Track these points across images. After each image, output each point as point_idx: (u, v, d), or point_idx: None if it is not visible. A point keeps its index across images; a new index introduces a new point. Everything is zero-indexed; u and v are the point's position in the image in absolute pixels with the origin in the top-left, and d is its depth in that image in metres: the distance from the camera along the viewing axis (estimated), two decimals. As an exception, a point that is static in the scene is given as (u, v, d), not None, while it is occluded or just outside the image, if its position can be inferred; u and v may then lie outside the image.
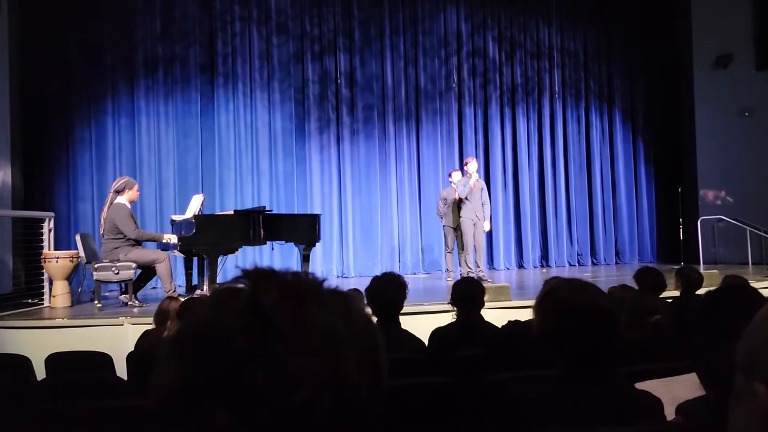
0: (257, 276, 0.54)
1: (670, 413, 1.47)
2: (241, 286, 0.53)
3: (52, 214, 6.59)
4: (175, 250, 6.23)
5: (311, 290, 0.53)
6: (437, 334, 2.95)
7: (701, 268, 7.72)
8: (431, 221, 9.38)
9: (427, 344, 3.01)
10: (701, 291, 4.43)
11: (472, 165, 7.40)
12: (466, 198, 7.32)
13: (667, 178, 10.78)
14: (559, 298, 1.33)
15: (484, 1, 10.34)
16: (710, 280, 5.57)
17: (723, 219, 9.45)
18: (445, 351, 2.63)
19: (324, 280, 0.56)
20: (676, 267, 4.96)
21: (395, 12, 9.90)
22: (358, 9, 9.72)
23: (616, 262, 10.64)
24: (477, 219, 7.35)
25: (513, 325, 2.87)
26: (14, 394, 2.48)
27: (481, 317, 3.02)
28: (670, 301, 4.20)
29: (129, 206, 5.97)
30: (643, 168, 10.99)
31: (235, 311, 0.50)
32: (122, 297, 6.02)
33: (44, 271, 6.10)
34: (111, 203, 5.91)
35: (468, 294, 3.03)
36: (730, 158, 9.71)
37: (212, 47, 9.03)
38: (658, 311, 2.34)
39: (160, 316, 3.44)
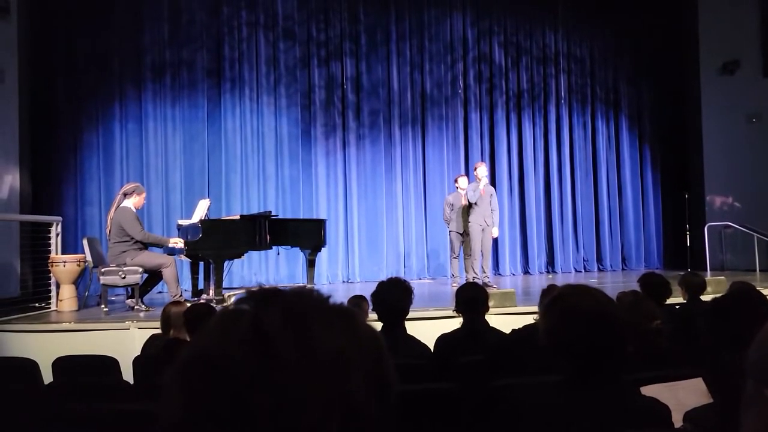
0: (260, 299, 0.53)
1: (677, 420, 1.47)
2: (245, 308, 0.52)
3: (59, 218, 6.64)
4: (182, 255, 6.26)
5: (315, 311, 0.52)
6: (443, 340, 2.94)
7: (708, 275, 7.69)
8: (437, 226, 9.38)
9: (432, 350, 3.01)
10: (707, 297, 4.42)
11: (482, 170, 7.39)
12: (475, 203, 7.32)
13: (674, 184, 10.74)
14: (565, 304, 1.33)
15: (491, 7, 10.35)
16: (717, 287, 5.56)
17: (730, 225, 9.40)
18: (450, 357, 2.62)
19: (329, 297, 0.55)
20: (682, 273, 4.94)
21: (401, 18, 9.93)
22: (364, 14, 9.76)
23: (623, 269, 10.60)
24: (486, 224, 7.34)
25: (519, 331, 2.87)
26: (23, 397, 2.49)
27: (486, 323, 3.01)
28: (677, 307, 4.19)
29: (135, 211, 5.99)
30: (649, 174, 10.95)
31: (238, 338, 0.49)
32: (129, 301, 6.04)
33: (51, 275, 6.14)
34: (118, 205, 5.94)
35: (472, 299, 3.02)
36: (737, 164, 9.67)
37: (219, 52, 9.08)
38: (657, 317, 2.32)
39: (164, 322, 3.45)
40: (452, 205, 7.82)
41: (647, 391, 1.85)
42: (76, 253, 6.66)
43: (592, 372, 1.33)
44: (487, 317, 3.12)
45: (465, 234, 7.61)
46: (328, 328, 0.51)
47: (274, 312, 0.50)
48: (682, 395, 1.71)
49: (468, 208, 7.47)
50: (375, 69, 9.77)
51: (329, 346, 0.50)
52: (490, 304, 3.13)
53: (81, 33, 8.28)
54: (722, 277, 6.38)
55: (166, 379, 0.51)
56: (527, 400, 1.43)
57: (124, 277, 5.75)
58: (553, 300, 1.36)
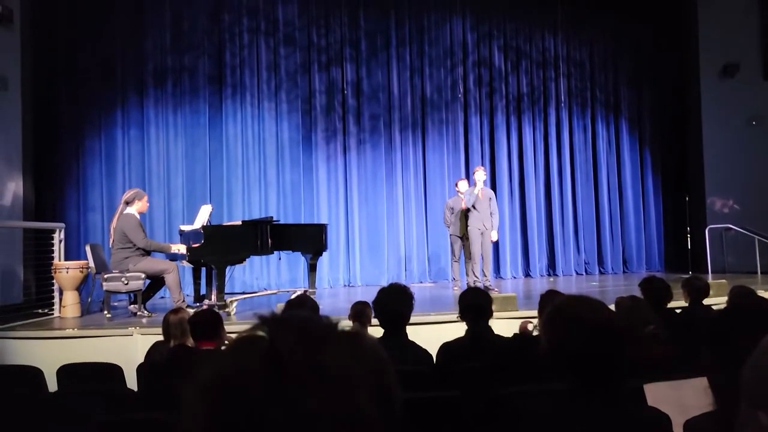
0: (274, 323, 0.57)
1: (678, 424, 1.48)
2: (260, 334, 0.56)
3: (62, 225, 6.66)
4: (184, 261, 6.28)
5: (326, 335, 0.56)
6: (447, 349, 2.94)
7: (709, 278, 7.70)
8: (438, 230, 9.40)
9: (435, 356, 3.02)
10: (709, 300, 4.43)
11: (479, 174, 7.42)
12: (473, 207, 7.34)
13: (674, 187, 10.76)
14: (567, 315, 1.35)
15: (490, 12, 10.39)
16: (719, 290, 5.57)
17: (731, 228, 9.41)
18: (453, 365, 2.64)
19: (338, 322, 0.59)
20: (684, 276, 4.95)
21: (401, 23, 9.97)
22: (364, 20, 9.80)
23: (624, 271, 10.61)
24: (484, 228, 7.36)
25: (521, 337, 2.88)
26: (29, 405, 2.51)
27: (491, 330, 3.01)
28: (678, 311, 4.19)
29: (138, 217, 6.03)
30: (650, 176, 10.97)
31: (254, 359, 0.53)
32: (131, 307, 6.07)
33: (55, 281, 6.16)
34: (120, 214, 5.97)
35: (475, 305, 3.02)
36: (737, 167, 9.68)
37: (221, 59, 9.12)
38: (651, 322, 2.34)
39: (165, 330, 3.47)
40: (452, 208, 7.85)
41: (651, 389, 1.86)
42: (78, 259, 6.68)
43: (594, 381, 1.35)
44: (489, 322, 3.13)
45: (465, 237, 7.63)
46: (338, 351, 0.55)
47: (288, 336, 0.55)
48: (687, 394, 1.72)
49: (467, 212, 7.49)
50: (375, 74, 9.80)
51: (339, 367, 0.54)
52: (492, 309, 3.13)
53: (83, 40, 8.32)
54: (723, 281, 6.38)
55: (186, 397, 0.55)
56: (530, 409, 1.45)
57: (127, 284, 5.77)
58: (553, 311, 1.38)
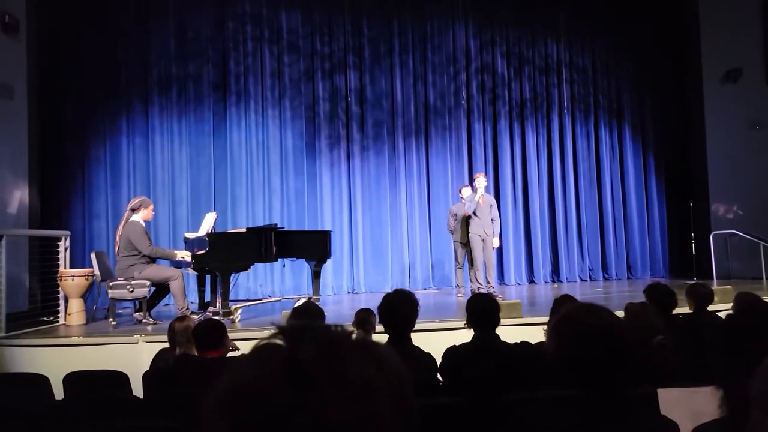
0: (294, 332, 0.57)
1: (688, 430, 1.48)
2: (278, 342, 0.57)
3: (68, 233, 6.69)
4: (189, 268, 6.30)
5: (344, 342, 0.57)
6: (452, 353, 2.94)
7: (714, 284, 7.67)
8: (441, 237, 9.40)
9: (439, 363, 3.01)
10: (714, 307, 4.41)
11: (480, 181, 7.43)
12: (474, 213, 7.35)
13: (678, 193, 10.74)
14: (574, 323, 1.36)
15: (493, 18, 10.42)
16: (724, 296, 5.55)
17: (736, 233, 9.39)
18: (459, 371, 2.63)
19: (352, 332, 0.60)
20: (689, 282, 4.93)
21: (404, 30, 10.01)
22: (367, 27, 9.84)
23: (628, 277, 10.58)
24: (486, 235, 7.36)
25: (526, 345, 2.88)
26: (36, 413, 2.52)
27: (497, 337, 3.00)
28: (681, 318, 4.18)
29: (144, 224, 6.05)
30: (653, 182, 10.96)
31: (275, 367, 0.54)
32: (136, 314, 6.08)
33: (60, 289, 6.18)
34: (126, 221, 6.00)
35: (483, 312, 3.00)
36: (741, 172, 9.67)
37: (225, 67, 9.17)
38: (658, 331, 2.33)
39: (170, 337, 3.48)
40: (456, 215, 7.86)
41: (664, 394, 1.86)
42: (83, 266, 6.72)
43: (601, 388, 1.36)
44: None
45: (468, 244, 7.63)
46: (359, 360, 0.56)
47: (309, 344, 0.55)
48: (699, 401, 1.72)
49: (468, 219, 7.50)
50: (378, 81, 9.84)
51: (361, 376, 0.54)
52: (499, 315, 3.12)
53: (88, 49, 8.37)
54: (729, 287, 6.36)
55: (205, 408, 0.55)
56: (537, 416, 1.46)
57: (132, 291, 5.79)
58: (561, 318, 1.38)
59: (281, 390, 0.52)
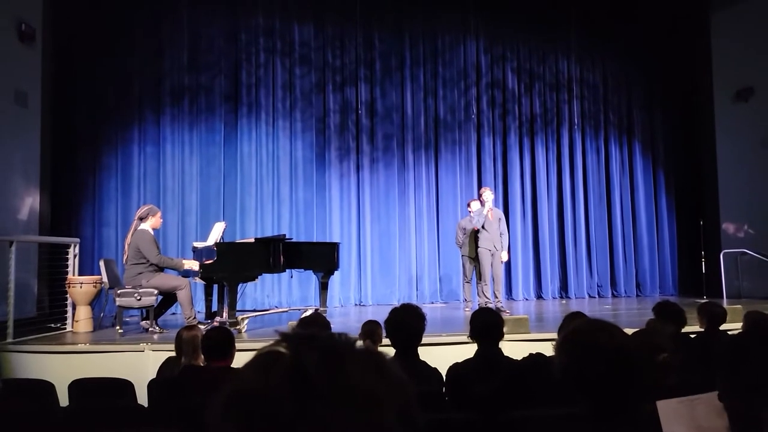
0: (299, 340, 0.57)
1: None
2: (281, 350, 0.57)
3: (77, 240, 6.73)
4: (196, 277, 6.31)
5: (347, 351, 0.57)
6: (455, 370, 2.91)
7: (725, 303, 7.59)
8: (449, 250, 9.38)
9: (444, 378, 3.00)
10: (724, 326, 4.37)
11: (487, 195, 7.43)
12: (483, 228, 7.33)
13: (689, 210, 10.68)
14: (582, 340, 1.35)
15: (504, 34, 10.47)
16: (734, 315, 5.48)
17: (746, 252, 9.30)
18: (463, 387, 2.61)
19: (356, 340, 0.60)
20: (699, 301, 4.89)
21: (415, 44, 10.07)
22: (379, 41, 9.91)
23: (637, 295, 10.50)
24: (494, 249, 7.35)
25: (533, 358, 2.85)
26: (41, 420, 2.52)
27: (500, 351, 2.99)
28: (693, 336, 4.14)
29: (152, 233, 6.08)
30: (664, 199, 10.91)
31: (279, 375, 0.54)
32: (143, 323, 6.09)
33: (68, 296, 6.21)
34: (135, 230, 6.03)
35: (486, 326, 3.00)
36: (752, 190, 9.60)
37: (237, 78, 9.24)
38: (664, 349, 2.30)
39: (177, 346, 3.48)
40: (465, 229, 7.84)
41: (664, 405, 1.83)
42: (92, 274, 6.74)
43: (608, 405, 1.34)
44: (501, 344, 3.11)
45: (476, 258, 7.61)
46: (363, 369, 0.56)
47: (312, 352, 0.55)
48: (700, 412, 1.70)
49: (477, 233, 7.48)
50: (389, 94, 9.89)
51: (365, 385, 0.54)
52: (503, 330, 3.11)
53: (102, 59, 8.47)
54: (739, 306, 6.29)
55: (210, 415, 0.55)
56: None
57: (140, 299, 5.80)
58: (568, 335, 1.37)
59: (284, 397, 0.52)
